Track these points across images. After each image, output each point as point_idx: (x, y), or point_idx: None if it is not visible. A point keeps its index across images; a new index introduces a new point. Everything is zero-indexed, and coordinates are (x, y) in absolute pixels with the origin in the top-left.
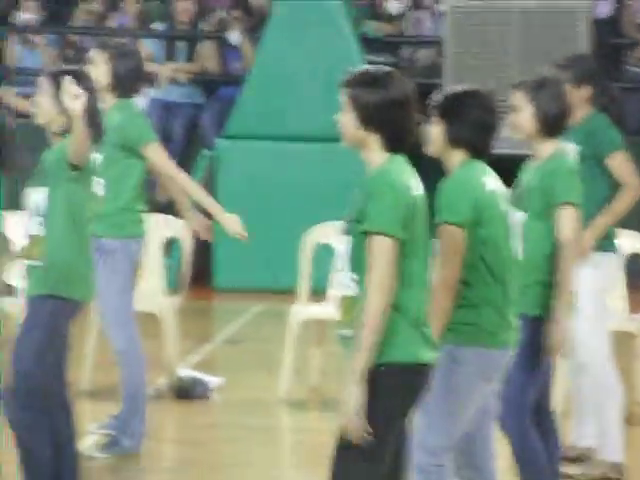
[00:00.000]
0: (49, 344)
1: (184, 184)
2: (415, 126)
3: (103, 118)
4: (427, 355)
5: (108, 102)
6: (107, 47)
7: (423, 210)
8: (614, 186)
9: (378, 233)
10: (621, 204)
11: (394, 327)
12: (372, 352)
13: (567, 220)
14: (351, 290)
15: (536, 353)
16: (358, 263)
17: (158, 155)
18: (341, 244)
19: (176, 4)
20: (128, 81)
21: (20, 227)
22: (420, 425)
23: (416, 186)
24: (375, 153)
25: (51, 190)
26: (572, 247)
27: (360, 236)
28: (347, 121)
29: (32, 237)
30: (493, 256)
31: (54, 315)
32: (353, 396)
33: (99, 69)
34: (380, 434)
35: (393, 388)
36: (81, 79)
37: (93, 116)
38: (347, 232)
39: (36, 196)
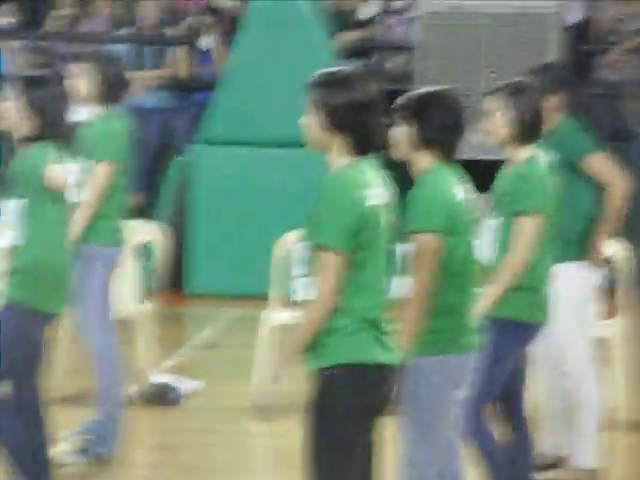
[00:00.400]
0: (21, 353)
1: (81, 220)
2: (382, 129)
3: (88, 127)
4: (379, 355)
5: (93, 112)
6: (88, 57)
7: (381, 218)
8: (599, 190)
9: (323, 247)
10: (614, 205)
11: (342, 330)
12: (294, 356)
13: (522, 228)
14: (312, 295)
15: (499, 354)
16: (314, 270)
17: (99, 175)
18: (300, 250)
19: (143, 9)
20: (111, 89)
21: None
22: (405, 441)
23: (374, 193)
24: (339, 157)
25: (24, 202)
26: (516, 256)
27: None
28: (311, 123)
29: (6, 249)
30: (456, 265)
31: (27, 325)
32: (268, 392)
33: (82, 80)
34: (344, 436)
35: (345, 389)
36: (46, 85)
37: (59, 123)
38: (305, 238)
39: (9, 207)
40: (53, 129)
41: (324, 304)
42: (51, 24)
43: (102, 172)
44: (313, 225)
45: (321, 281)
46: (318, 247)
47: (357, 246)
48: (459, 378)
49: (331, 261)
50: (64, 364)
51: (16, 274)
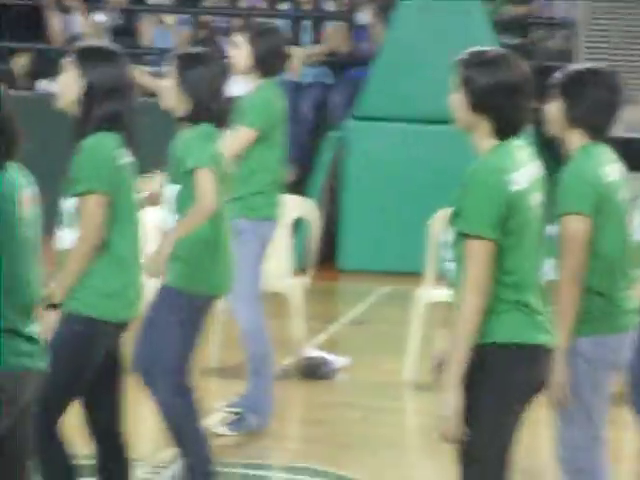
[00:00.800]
0: (177, 334)
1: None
2: (529, 112)
3: (243, 99)
4: (532, 336)
5: (252, 83)
6: (248, 28)
7: (530, 201)
8: None
9: (471, 235)
10: None
11: (493, 311)
12: (465, 354)
13: None
14: (462, 282)
15: None
16: (457, 255)
17: (238, 137)
18: (448, 232)
19: None
20: (270, 61)
21: (154, 217)
22: (561, 422)
23: (522, 176)
24: (483, 139)
25: (183, 186)
26: None
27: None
28: (457, 103)
29: (164, 233)
30: (607, 246)
31: (186, 308)
32: (450, 400)
33: (242, 51)
34: (493, 415)
35: (496, 368)
36: (203, 63)
37: (215, 103)
38: (449, 222)
39: (171, 191)
40: (208, 110)
41: (477, 292)
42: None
43: (241, 135)
44: (459, 211)
45: (471, 270)
46: (465, 235)
47: (505, 231)
48: (615, 358)
49: (479, 249)
50: (220, 336)
51: (176, 260)
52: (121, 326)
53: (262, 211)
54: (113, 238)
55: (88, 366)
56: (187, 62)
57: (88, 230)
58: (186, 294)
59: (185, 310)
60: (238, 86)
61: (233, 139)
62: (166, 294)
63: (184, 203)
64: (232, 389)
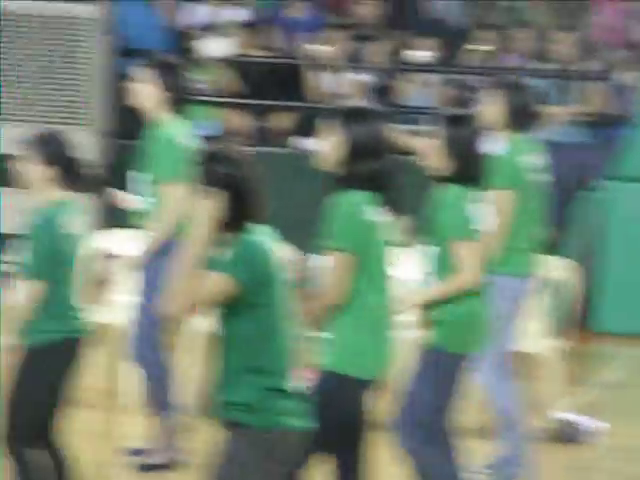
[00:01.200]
0: (432, 388)
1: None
2: None
3: (494, 157)
4: None
5: (502, 139)
6: (498, 84)
7: None
8: None
9: None
10: None
11: None
12: None
13: None
14: None
15: None
16: None
17: (500, 203)
18: None
19: (558, 43)
20: (520, 117)
21: (409, 270)
22: None
23: None
24: None
25: (442, 249)
26: None
27: None
28: None
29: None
30: None
31: (445, 365)
32: None
33: (492, 106)
34: None
35: None
36: (465, 123)
37: (474, 163)
38: None
39: (429, 252)
40: (470, 170)
41: None
42: (467, 58)
43: (502, 200)
44: None
45: None
46: None
47: None
48: None
49: None
50: (479, 395)
51: (441, 323)
52: (372, 383)
53: (515, 267)
54: (363, 295)
55: (341, 422)
56: (452, 122)
57: (332, 287)
58: (446, 352)
59: (443, 367)
60: (490, 143)
61: (498, 209)
62: (427, 355)
63: (443, 267)
64: (489, 449)
